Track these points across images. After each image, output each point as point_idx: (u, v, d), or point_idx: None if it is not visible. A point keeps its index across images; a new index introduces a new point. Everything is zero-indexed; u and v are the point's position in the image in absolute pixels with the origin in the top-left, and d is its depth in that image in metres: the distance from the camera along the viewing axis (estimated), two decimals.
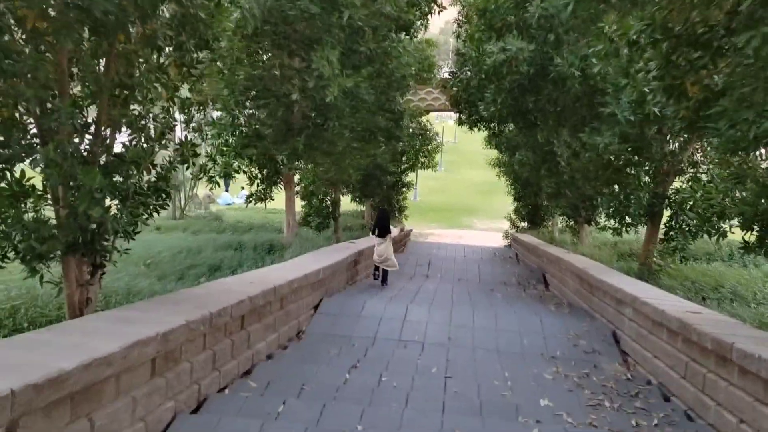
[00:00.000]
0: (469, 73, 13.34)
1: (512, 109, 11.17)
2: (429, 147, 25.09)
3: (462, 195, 47.03)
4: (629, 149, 9.70)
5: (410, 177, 26.27)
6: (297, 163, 10.40)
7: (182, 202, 20.99)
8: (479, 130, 15.89)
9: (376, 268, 11.50)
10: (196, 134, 6.25)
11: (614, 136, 8.47)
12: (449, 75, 16.54)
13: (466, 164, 60.67)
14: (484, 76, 9.95)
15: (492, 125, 15.37)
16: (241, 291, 5.56)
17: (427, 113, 25.63)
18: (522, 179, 23.15)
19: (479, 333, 7.43)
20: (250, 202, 11.38)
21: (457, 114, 16.19)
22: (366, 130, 13.96)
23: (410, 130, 21.81)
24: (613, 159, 10.77)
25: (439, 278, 13.35)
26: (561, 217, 22.33)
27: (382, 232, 11.29)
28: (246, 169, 10.42)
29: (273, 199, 12.01)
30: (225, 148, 9.51)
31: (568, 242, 20.76)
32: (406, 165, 25.22)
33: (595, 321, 8.36)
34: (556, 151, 14.97)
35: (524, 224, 25.74)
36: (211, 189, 37.40)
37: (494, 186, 51.35)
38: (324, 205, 16.06)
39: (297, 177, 13.74)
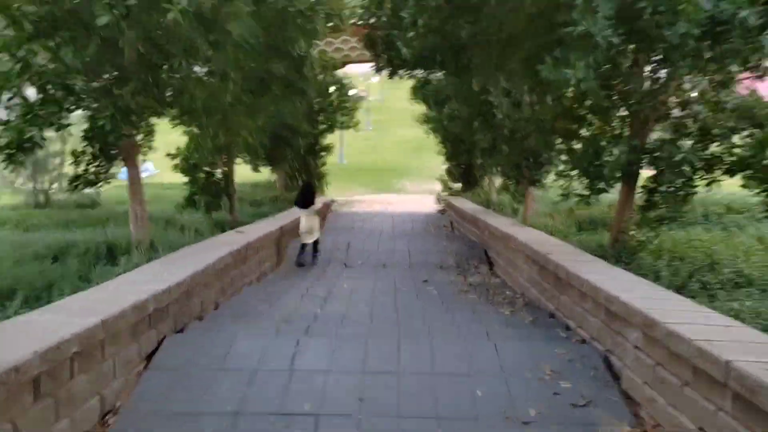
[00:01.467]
0: None
1: (439, 43, 8.34)
2: (348, 103, 22.05)
3: (392, 155, 44.30)
4: (606, 85, 7.10)
5: (331, 139, 23.21)
6: (134, 125, 7.23)
7: (47, 183, 17.19)
8: (401, 78, 13.06)
9: (302, 248, 10.97)
10: None
11: (589, 68, 5.79)
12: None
13: (396, 123, 57.82)
14: None
15: (416, 71, 12.53)
16: None
17: (344, 65, 22.47)
18: (453, 136, 20.63)
19: (407, 384, 4.71)
20: (76, 188, 8.16)
21: (375, 60, 13.20)
22: (257, 79, 10.83)
23: (323, 83, 18.70)
24: (574, 103, 8.17)
25: (359, 266, 10.59)
26: (499, 177, 20.01)
27: (306, 204, 11.11)
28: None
29: (109, 182, 8.81)
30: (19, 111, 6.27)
31: (506, 205, 18.48)
32: (323, 125, 22.17)
33: (572, 338, 5.81)
34: (492, 101, 12.37)
35: (458, 186, 23.29)
36: None
37: (425, 143, 48.85)
38: (214, 179, 12.87)
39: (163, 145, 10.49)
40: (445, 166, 24.47)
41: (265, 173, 21.94)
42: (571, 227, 10.63)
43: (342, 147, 41.42)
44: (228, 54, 7.73)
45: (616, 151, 7.23)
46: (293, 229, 12.92)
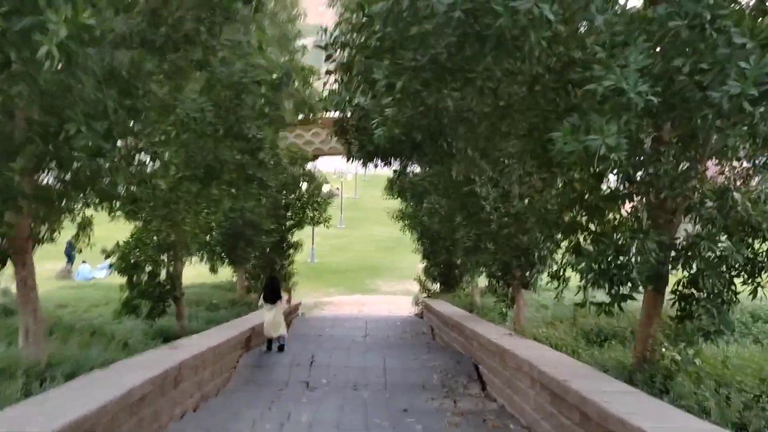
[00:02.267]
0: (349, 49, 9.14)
1: (417, 120, 7.01)
2: (319, 199, 20.71)
3: (366, 253, 42.78)
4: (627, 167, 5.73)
5: (300, 236, 21.64)
6: (21, 213, 5.55)
7: None
8: (375, 166, 11.79)
9: (269, 343, 11.19)
10: None
11: (621, 133, 4.40)
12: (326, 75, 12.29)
13: (369, 221, 56.91)
14: (371, 38, 5.67)
15: (391, 160, 11.26)
16: None
17: (315, 158, 21.38)
18: (431, 233, 19.25)
19: None
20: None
21: (345, 145, 11.89)
22: (204, 165, 9.35)
23: (287, 174, 17.41)
24: (584, 189, 6.76)
25: (323, 388, 8.67)
26: (482, 278, 18.46)
27: (273, 298, 11.29)
28: None
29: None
30: None
31: (492, 309, 16.82)
32: (291, 221, 20.68)
33: None
34: (477, 191, 11.04)
35: (436, 287, 21.64)
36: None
37: (399, 242, 47.55)
38: (158, 280, 11.04)
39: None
40: (422, 265, 22.95)
41: (227, 274, 20.10)
42: (577, 339, 8.98)
43: (313, 246, 39.87)
44: (158, 128, 6.25)
45: (634, 249, 5.74)
46: (250, 338, 11.05)
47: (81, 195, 6.12)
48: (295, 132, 20.74)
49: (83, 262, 30.08)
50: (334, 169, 64.95)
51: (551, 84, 5.26)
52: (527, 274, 11.58)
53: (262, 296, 11.77)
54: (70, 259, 29.78)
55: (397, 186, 19.48)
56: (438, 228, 17.27)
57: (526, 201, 9.34)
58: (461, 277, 20.82)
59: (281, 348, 11.14)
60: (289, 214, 20.47)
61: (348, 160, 11.70)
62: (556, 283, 11.33)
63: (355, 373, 9.37)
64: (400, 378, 9.23)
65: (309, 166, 20.78)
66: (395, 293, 30.67)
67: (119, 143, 5.93)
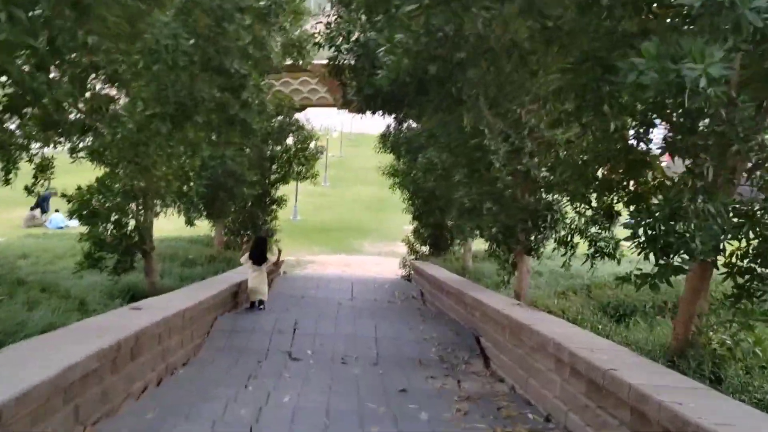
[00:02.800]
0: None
1: (437, 46, 5.79)
2: (306, 152, 19.46)
3: (350, 213, 41.64)
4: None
5: (284, 191, 20.41)
6: None
7: None
8: (373, 112, 10.53)
9: (251, 305, 10.70)
10: None
11: (729, 59, 3.30)
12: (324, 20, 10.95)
13: (355, 180, 55.70)
14: None
15: (391, 105, 10.00)
16: None
17: (303, 109, 20.02)
18: (425, 192, 18.14)
19: None
20: None
21: (340, 88, 10.59)
22: (177, 103, 8.07)
23: (274, 122, 16.14)
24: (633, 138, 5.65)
25: (308, 360, 7.63)
26: (475, 242, 17.48)
27: (260, 260, 10.84)
28: None
29: None
30: None
31: (486, 275, 15.93)
32: (276, 175, 19.45)
33: None
34: (486, 145, 9.91)
35: (425, 249, 20.65)
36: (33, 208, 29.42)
37: (387, 203, 46.41)
38: (125, 233, 9.84)
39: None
40: (411, 227, 21.94)
41: (205, 228, 18.90)
42: (595, 314, 8.01)
43: (296, 203, 38.63)
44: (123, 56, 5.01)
45: (717, 210, 4.68)
46: (227, 299, 9.97)
47: (16, 117, 4.90)
48: (281, 79, 19.29)
49: (56, 210, 28.68)
50: (320, 125, 63.28)
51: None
52: (533, 238, 10.58)
53: (247, 255, 11.16)
54: (42, 207, 28.31)
55: (390, 140, 18.32)
56: (433, 186, 16.14)
57: (561, 153, 8.17)
58: (452, 240, 19.86)
59: (260, 303, 10.70)
60: (274, 167, 19.23)
61: (341, 106, 10.43)
62: (563, 250, 10.51)
63: (343, 343, 8.33)
64: (394, 350, 8.22)
65: (297, 117, 19.43)
66: (382, 254, 29.71)
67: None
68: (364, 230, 36.34)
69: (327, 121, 61.07)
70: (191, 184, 12.97)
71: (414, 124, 18.47)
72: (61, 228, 27.93)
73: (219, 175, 14.30)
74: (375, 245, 32.55)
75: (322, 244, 31.72)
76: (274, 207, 19.33)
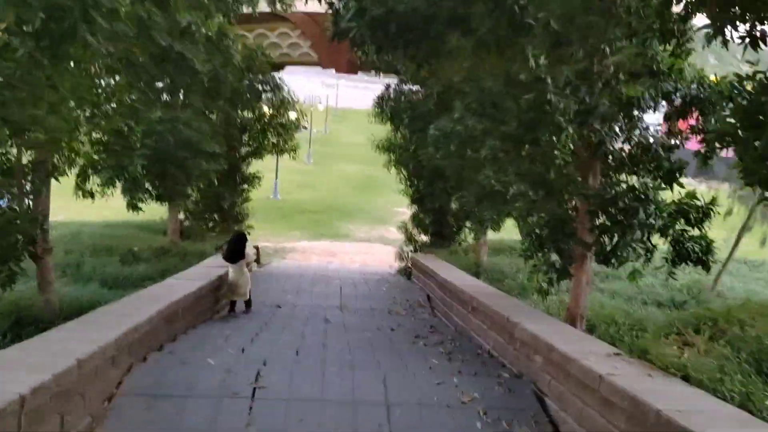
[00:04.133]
0: None
1: None
2: (285, 120, 16.12)
3: (335, 192, 38.27)
4: None
5: (258, 167, 17.00)
6: None
7: None
8: (378, 51, 7.19)
9: (232, 305, 9.57)
10: None
11: None
12: None
13: (340, 157, 52.20)
14: None
15: (411, 40, 6.68)
16: None
17: (281, 68, 16.58)
18: (429, 171, 14.96)
19: None
20: None
21: (331, 17, 7.22)
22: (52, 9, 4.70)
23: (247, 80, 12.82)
24: None
25: None
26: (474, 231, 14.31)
27: (233, 258, 9.47)
28: None
29: None
30: None
31: (507, 274, 12.90)
32: (248, 148, 16.10)
33: None
34: (551, 99, 6.69)
35: (425, 238, 17.44)
36: None
37: (374, 182, 43.04)
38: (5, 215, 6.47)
39: None
40: (406, 210, 18.77)
41: (157, 210, 15.50)
42: (750, 375, 4.93)
43: (276, 179, 35.20)
44: None
45: None
46: (159, 328, 6.64)
47: None
48: (256, 30, 15.84)
49: None
50: (303, 97, 59.35)
51: None
52: (608, 239, 7.45)
53: (221, 254, 10.08)
54: None
55: (389, 105, 15.01)
56: (441, 164, 12.93)
57: None
58: (459, 229, 16.73)
59: (247, 304, 9.74)
60: (245, 138, 15.86)
61: (333, 38, 7.04)
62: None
63: (334, 419, 5.12)
64: (415, 419, 5.05)
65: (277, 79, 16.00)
66: (370, 240, 26.53)
67: None
68: (349, 212, 33.07)
69: (311, 92, 57.19)
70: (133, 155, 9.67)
71: (415, 88, 15.24)
72: None
73: (169, 145, 10.93)
74: (362, 229, 29.35)
75: (304, 227, 28.45)
76: (246, 186, 15.99)
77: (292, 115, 15.95)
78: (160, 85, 10.15)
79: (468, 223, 16.37)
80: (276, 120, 15.79)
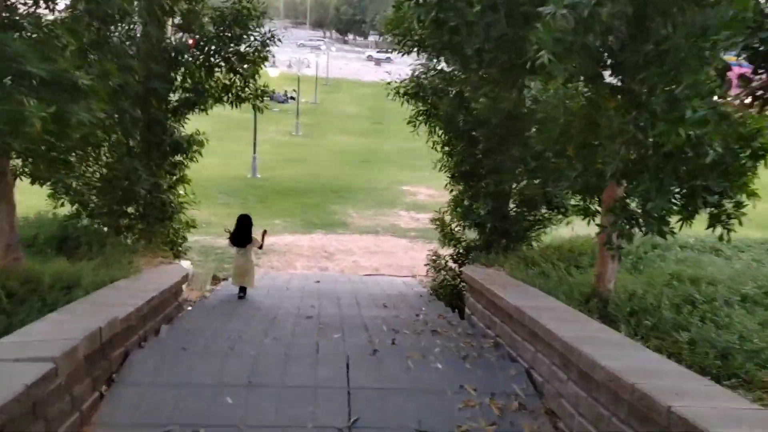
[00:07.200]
0: None
1: None
2: (250, 44, 9.57)
3: (329, 168, 31.60)
4: None
5: (202, 126, 10.40)
6: None
7: None
8: None
9: (240, 290, 9.31)
10: None
11: None
12: None
13: (332, 129, 45.64)
14: None
15: None
16: None
17: None
18: (488, 131, 8.58)
19: None
20: None
21: None
22: None
23: None
24: None
25: None
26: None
27: (242, 241, 9.11)
28: None
29: None
30: None
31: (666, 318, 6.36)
32: (184, 92, 9.61)
33: None
34: None
35: (472, 237, 10.99)
36: None
37: (375, 155, 36.53)
38: None
39: None
40: (423, 190, 12.32)
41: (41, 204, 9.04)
42: None
43: (254, 154, 28.64)
44: None
45: None
46: None
47: None
48: None
49: None
50: (289, 61, 52.25)
51: None
52: None
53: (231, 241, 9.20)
54: None
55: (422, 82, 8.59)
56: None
57: None
58: (535, 225, 10.31)
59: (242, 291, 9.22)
60: (178, 75, 9.33)
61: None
62: None
63: None
64: None
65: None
66: (377, 231, 20.08)
67: None
68: (348, 192, 26.52)
69: (297, 57, 50.24)
70: None
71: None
72: None
73: None
74: (365, 214, 22.86)
75: (290, 214, 21.94)
76: (179, 157, 9.46)
77: (257, 38, 9.43)
78: None
79: (544, 212, 10.16)
80: (229, 44, 9.28)
